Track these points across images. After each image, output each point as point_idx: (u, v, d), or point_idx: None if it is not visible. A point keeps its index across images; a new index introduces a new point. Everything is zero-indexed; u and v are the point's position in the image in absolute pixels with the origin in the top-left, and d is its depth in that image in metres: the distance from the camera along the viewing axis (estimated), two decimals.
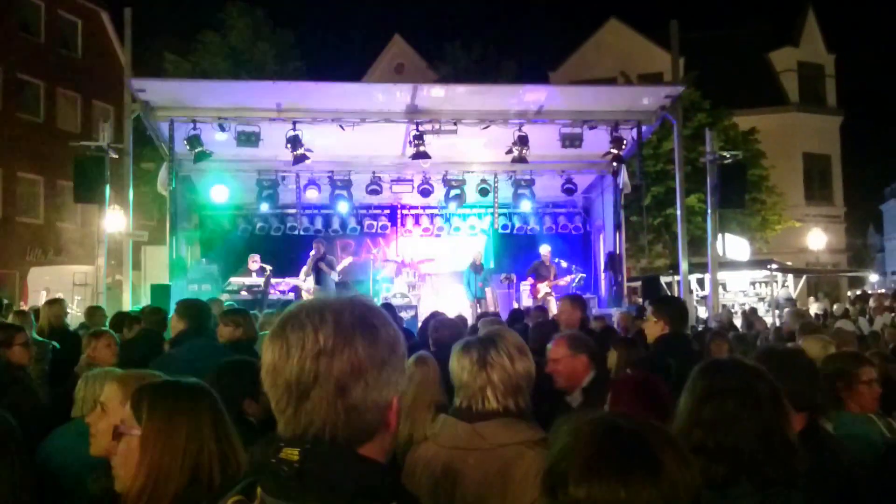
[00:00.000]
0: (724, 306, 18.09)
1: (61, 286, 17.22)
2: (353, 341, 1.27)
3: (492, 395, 2.37)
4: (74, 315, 13.37)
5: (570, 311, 6.68)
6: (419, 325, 9.24)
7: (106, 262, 12.67)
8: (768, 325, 14.31)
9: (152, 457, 1.97)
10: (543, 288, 15.02)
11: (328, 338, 1.26)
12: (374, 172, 15.40)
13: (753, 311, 18.89)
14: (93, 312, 9.36)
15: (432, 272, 17.26)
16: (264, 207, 15.69)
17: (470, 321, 9.63)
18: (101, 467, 2.46)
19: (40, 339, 6.85)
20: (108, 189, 12.30)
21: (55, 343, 6.89)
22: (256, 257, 14.68)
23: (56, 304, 8.14)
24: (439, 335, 5.68)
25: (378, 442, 1.32)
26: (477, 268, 15.39)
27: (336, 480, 1.23)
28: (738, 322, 15.64)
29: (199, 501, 1.91)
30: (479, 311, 14.02)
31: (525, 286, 15.86)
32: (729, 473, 1.99)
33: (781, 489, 2.00)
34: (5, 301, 10.67)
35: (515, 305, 14.59)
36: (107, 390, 2.54)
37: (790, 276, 24.65)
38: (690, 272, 14.57)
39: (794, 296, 23.79)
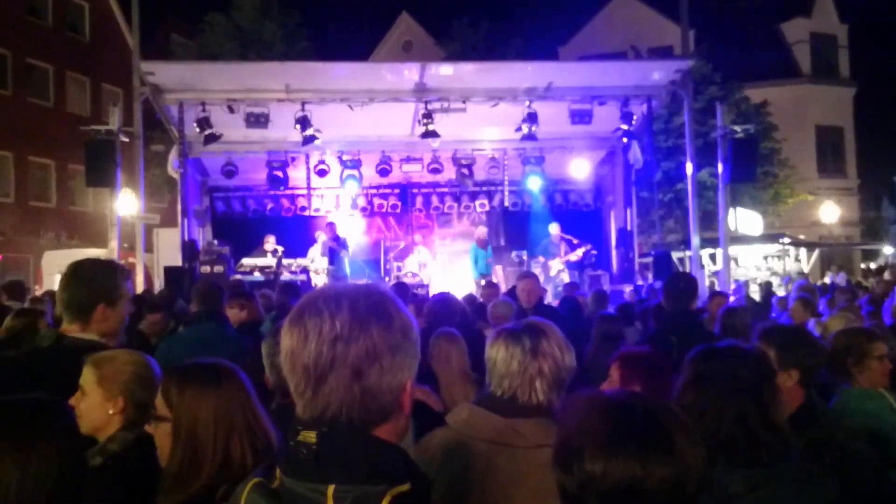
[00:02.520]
0: (735, 281, 18.06)
1: None
2: (369, 327, 1.31)
3: (540, 386, 2.29)
4: None
5: (531, 289, 6.68)
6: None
7: (118, 245, 12.74)
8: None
9: (185, 438, 2.03)
10: (556, 265, 15.03)
11: (344, 324, 1.30)
12: (383, 152, 15.38)
13: (769, 284, 18.85)
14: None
15: (443, 251, 17.29)
16: (275, 188, 15.73)
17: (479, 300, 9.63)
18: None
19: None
20: (119, 172, 12.35)
21: None
22: (272, 238, 14.74)
23: None
24: (434, 311, 5.65)
25: (392, 424, 1.36)
26: (483, 244, 15.41)
27: (352, 461, 1.27)
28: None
29: (231, 481, 1.93)
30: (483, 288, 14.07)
31: (536, 265, 15.86)
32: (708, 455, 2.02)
33: (767, 468, 2.03)
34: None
35: None
36: (84, 372, 2.57)
37: (803, 250, 24.56)
38: (702, 247, 14.54)
39: (806, 270, 23.71)
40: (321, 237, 15.56)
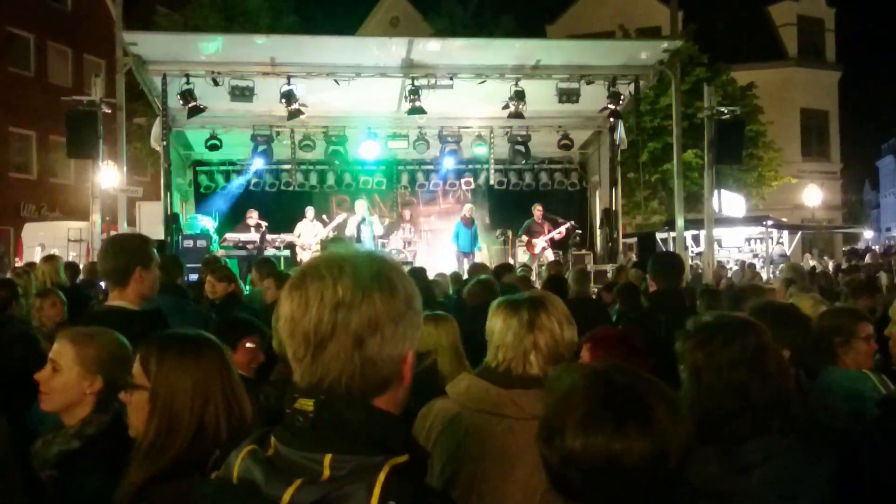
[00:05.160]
0: (718, 262, 18.21)
1: (56, 242, 17.19)
2: (372, 295, 1.29)
3: (535, 359, 2.27)
4: None
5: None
6: None
7: (100, 217, 12.62)
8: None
9: (161, 409, 2.01)
10: (539, 243, 15.08)
11: (347, 290, 1.27)
12: (369, 128, 15.29)
13: (752, 265, 19.07)
14: (93, 268, 9.43)
15: (428, 228, 17.27)
16: (259, 163, 15.63)
17: (464, 276, 9.64)
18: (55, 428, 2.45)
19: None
20: (101, 144, 12.21)
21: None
22: (254, 213, 14.67)
23: (53, 260, 8.16)
24: None
25: (392, 394, 1.34)
26: (467, 221, 15.41)
27: (350, 431, 1.25)
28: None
29: (205, 453, 1.94)
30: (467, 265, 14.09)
31: (520, 244, 15.91)
32: (735, 428, 2.05)
33: (779, 438, 2.05)
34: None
35: (511, 261, 14.65)
36: (60, 349, 2.50)
37: (785, 233, 24.73)
38: (686, 228, 14.60)
39: (788, 252, 23.89)
40: (310, 212, 15.51)
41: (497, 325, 2.35)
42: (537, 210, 15.53)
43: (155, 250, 3.52)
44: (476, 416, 2.25)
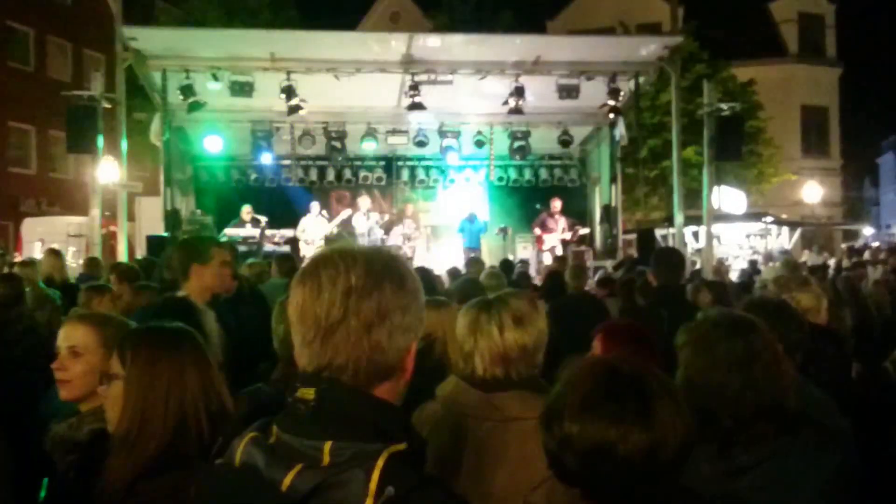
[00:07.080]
0: (718, 259, 18.19)
1: (55, 237, 17.12)
2: (382, 284, 1.34)
3: (479, 362, 2.28)
4: (69, 266, 13.34)
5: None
6: None
7: (100, 213, 12.61)
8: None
9: (136, 400, 2.00)
10: (550, 240, 15.02)
11: (360, 278, 1.32)
12: (369, 123, 15.27)
13: (754, 262, 19.04)
14: (94, 264, 9.42)
15: (428, 224, 17.26)
16: (266, 159, 15.63)
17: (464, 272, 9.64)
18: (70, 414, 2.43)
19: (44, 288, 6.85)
20: (101, 139, 12.20)
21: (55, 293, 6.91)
22: (249, 208, 14.68)
23: (58, 255, 8.14)
24: None
25: (393, 384, 1.38)
26: (471, 218, 15.40)
27: (350, 419, 1.28)
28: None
29: (188, 446, 1.95)
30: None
31: (521, 239, 15.91)
32: (724, 431, 2.04)
33: (773, 439, 2.03)
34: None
35: (510, 257, 14.64)
36: (78, 333, 2.47)
37: (785, 229, 24.73)
38: (686, 225, 14.58)
39: (788, 248, 23.89)
40: (315, 207, 15.52)
41: (457, 327, 2.41)
42: (556, 204, 15.44)
43: (216, 249, 3.88)
44: (460, 418, 2.27)
